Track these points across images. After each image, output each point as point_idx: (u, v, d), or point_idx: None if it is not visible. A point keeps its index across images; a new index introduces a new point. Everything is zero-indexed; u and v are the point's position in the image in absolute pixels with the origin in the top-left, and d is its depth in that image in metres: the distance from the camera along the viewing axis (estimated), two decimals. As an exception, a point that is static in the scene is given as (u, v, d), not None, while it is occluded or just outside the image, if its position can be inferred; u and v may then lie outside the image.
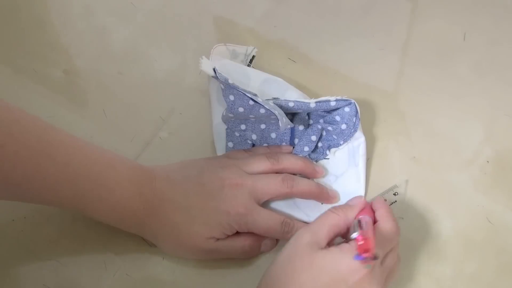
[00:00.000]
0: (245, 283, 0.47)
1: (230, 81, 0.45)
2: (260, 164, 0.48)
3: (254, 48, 0.51)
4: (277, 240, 0.48)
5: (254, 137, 0.51)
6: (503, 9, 0.62)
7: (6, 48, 0.59)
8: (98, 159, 0.43)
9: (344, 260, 0.38)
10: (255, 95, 0.46)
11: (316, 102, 0.48)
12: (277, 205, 0.49)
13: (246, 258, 0.48)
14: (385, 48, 0.59)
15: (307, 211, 0.49)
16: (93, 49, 0.59)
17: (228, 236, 0.46)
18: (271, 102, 0.47)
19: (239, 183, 0.46)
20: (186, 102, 0.56)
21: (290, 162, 0.49)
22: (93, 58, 0.59)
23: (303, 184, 0.48)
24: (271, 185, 0.47)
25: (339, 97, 0.49)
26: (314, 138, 0.50)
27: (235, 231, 0.46)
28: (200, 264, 0.48)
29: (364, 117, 0.50)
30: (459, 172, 0.52)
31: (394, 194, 0.50)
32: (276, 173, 0.48)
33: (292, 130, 0.51)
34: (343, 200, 0.50)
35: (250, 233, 0.47)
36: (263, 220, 0.46)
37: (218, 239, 0.45)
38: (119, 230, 0.45)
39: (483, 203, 0.50)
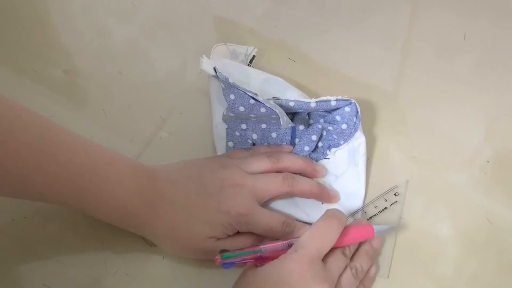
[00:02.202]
0: (245, 283, 0.47)
1: (231, 80, 0.45)
2: (261, 163, 0.48)
3: (255, 48, 0.51)
4: None
5: (254, 136, 0.51)
6: (503, 9, 0.62)
7: (6, 48, 0.59)
8: (99, 157, 0.42)
9: (283, 264, 0.40)
10: (256, 94, 0.46)
11: (316, 101, 0.48)
12: (277, 204, 0.49)
13: None
14: (385, 48, 0.59)
15: (307, 210, 0.49)
16: (93, 49, 0.59)
17: (229, 237, 0.46)
18: (271, 101, 0.47)
19: (239, 183, 0.46)
20: (186, 102, 0.56)
21: (290, 161, 0.49)
22: (93, 58, 0.59)
23: (303, 183, 0.48)
24: (272, 184, 0.47)
25: (339, 97, 0.49)
26: (314, 137, 0.50)
27: (236, 231, 0.46)
28: (200, 264, 0.48)
29: (364, 117, 0.50)
30: (459, 172, 0.52)
31: (395, 195, 0.50)
32: (277, 172, 0.48)
33: (293, 129, 0.51)
34: (343, 200, 0.50)
35: (250, 234, 0.47)
36: (264, 220, 0.46)
37: (218, 239, 0.45)
38: (119, 230, 0.45)
39: (483, 203, 0.50)
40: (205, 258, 0.47)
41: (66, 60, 0.59)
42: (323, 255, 0.42)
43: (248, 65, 0.52)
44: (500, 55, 0.59)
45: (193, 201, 0.45)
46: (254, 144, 0.52)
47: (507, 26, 0.60)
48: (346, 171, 0.50)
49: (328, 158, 0.51)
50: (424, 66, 0.58)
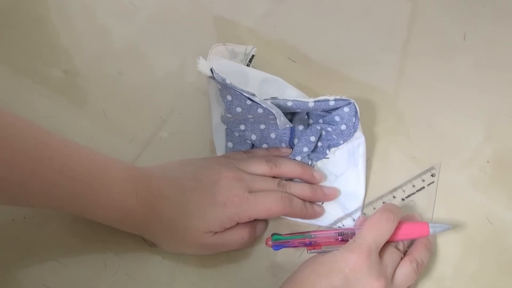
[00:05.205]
0: (245, 283, 0.47)
1: (228, 81, 0.45)
2: (259, 166, 0.48)
3: (254, 47, 0.51)
4: (267, 222, 0.49)
5: (253, 137, 0.51)
6: (503, 9, 0.62)
7: (6, 48, 0.59)
8: (94, 161, 0.43)
9: (341, 253, 0.42)
10: (253, 94, 0.46)
11: (314, 101, 0.48)
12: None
13: (244, 247, 0.48)
14: (385, 48, 0.59)
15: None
16: (93, 49, 0.59)
17: (226, 230, 0.45)
18: (269, 102, 0.47)
19: (236, 176, 0.46)
20: (186, 102, 0.56)
21: (288, 168, 0.49)
22: (93, 58, 0.59)
23: (295, 188, 0.48)
24: (269, 187, 0.47)
25: (338, 97, 0.49)
26: (313, 138, 0.50)
27: (235, 223, 0.45)
28: (200, 263, 0.48)
29: (364, 117, 0.50)
30: (459, 172, 0.52)
31: (432, 175, 0.51)
32: (273, 177, 0.48)
33: (292, 130, 0.51)
34: (342, 200, 0.50)
35: (246, 224, 0.46)
36: (260, 202, 0.45)
37: (215, 233, 0.45)
38: (119, 230, 0.45)
39: (483, 203, 0.50)
40: (205, 253, 0.47)
41: (66, 60, 0.59)
42: (380, 248, 0.43)
43: (247, 65, 0.52)
44: (500, 55, 0.59)
45: (188, 196, 0.45)
46: (253, 145, 0.52)
47: (507, 26, 0.60)
48: (345, 170, 0.50)
49: (328, 158, 0.51)
50: (424, 66, 0.58)
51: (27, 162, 0.39)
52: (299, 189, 0.48)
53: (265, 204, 0.45)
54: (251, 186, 0.46)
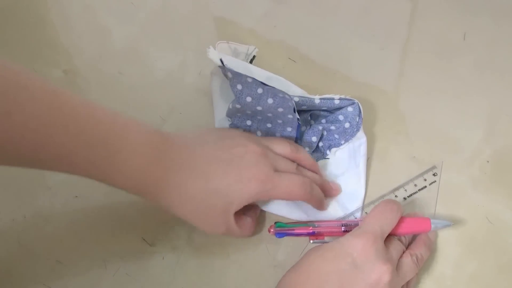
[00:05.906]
0: (245, 282, 0.47)
1: (239, 70, 0.45)
2: (282, 146, 0.47)
3: (255, 48, 0.51)
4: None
5: (259, 133, 0.51)
6: (503, 9, 0.62)
7: (6, 48, 0.59)
8: (112, 124, 0.40)
9: (347, 239, 0.42)
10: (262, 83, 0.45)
11: (320, 98, 0.48)
12: (278, 204, 0.49)
13: (250, 235, 0.48)
14: (385, 48, 0.59)
15: (308, 211, 0.49)
16: (93, 49, 0.59)
17: (236, 217, 0.44)
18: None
19: (263, 152, 0.45)
20: (186, 102, 0.56)
21: (305, 156, 0.49)
22: (93, 58, 0.59)
23: (309, 176, 0.48)
24: (290, 169, 0.46)
25: (342, 96, 0.49)
26: (314, 139, 0.50)
27: (252, 201, 0.44)
28: (200, 264, 0.48)
29: (364, 117, 0.50)
30: (459, 172, 0.52)
31: (433, 175, 0.51)
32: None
33: (298, 130, 0.50)
34: (343, 200, 0.50)
35: (247, 208, 0.45)
36: (284, 183, 0.44)
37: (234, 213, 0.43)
38: (119, 230, 0.45)
39: (483, 203, 0.50)
40: (216, 232, 0.44)
41: (66, 60, 0.59)
42: (385, 236, 0.43)
43: (248, 65, 0.51)
44: (500, 55, 0.59)
45: (213, 168, 0.43)
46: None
47: (507, 26, 0.60)
48: (346, 171, 0.50)
49: (328, 158, 0.51)
50: (424, 66, 0.58)
51: (41, 128, 0.36)
52: (310, 177, 0.48)
53: (288, 186, 0.44)
54: (275, 164, 0.45)
